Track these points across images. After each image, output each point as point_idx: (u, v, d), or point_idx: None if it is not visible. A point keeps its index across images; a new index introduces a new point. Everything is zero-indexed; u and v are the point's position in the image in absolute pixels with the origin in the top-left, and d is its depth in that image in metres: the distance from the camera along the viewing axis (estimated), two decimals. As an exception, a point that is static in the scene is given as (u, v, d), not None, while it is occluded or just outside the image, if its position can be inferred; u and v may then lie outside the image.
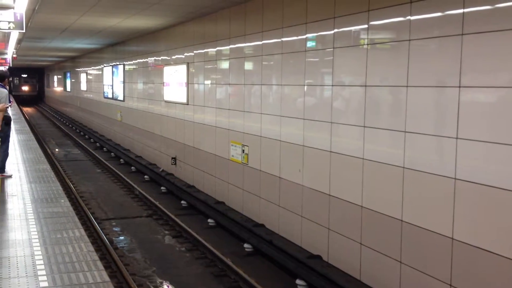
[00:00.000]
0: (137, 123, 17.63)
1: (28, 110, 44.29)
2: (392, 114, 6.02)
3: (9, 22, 10.95)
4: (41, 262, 4.76)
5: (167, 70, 13.87)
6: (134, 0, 9.58)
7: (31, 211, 6.58)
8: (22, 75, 52.81)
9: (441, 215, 5.35)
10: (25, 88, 53.11)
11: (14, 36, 17.09)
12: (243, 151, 9.67)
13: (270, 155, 8.75)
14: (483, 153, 4.89)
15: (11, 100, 8.66)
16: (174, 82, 13.40)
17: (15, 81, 53.00)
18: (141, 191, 12.55)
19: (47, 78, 52.58)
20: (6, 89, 8.74)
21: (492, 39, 4.76)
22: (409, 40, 5.68)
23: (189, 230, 9.39)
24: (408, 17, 5.68)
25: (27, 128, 17.91)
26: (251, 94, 9.38)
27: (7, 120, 8.47)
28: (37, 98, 54.15)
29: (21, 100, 49.75)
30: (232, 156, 10.14)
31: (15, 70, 48.20)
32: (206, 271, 7.81)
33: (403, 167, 5.82)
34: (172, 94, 13.67)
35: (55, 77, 42.98)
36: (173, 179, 13.24)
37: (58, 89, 41.64)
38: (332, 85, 7.05)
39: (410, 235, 5.79)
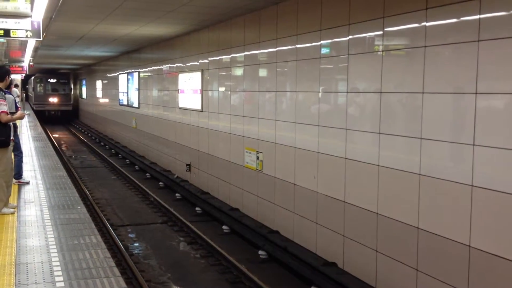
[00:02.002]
0: (152, 130, 17.73)
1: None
2: (408, 121, 5.99)
3: (26, 31, 11.11)
4: (59, 268, 4.81)
5: (182, 77, 13.95)
6: (150, 8, 9.66)
7: (48, 218, 6.64)
8: (50, 79, 35.55)
9: (458, 223, 5.30)
10: (54, 99, 35.11)
11: (31, 44, 17.33)
12: (257, 157, 9.68)
13: (284, 161, 8.75)
14: (500, 160, 4.85)
15: (18, 107, 8.76)
16: (189, 89, 13.48)
17: (38, 89, 35.69)
18: (156, 198, 12.60)
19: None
20: (12, 95, 8.84)
21: (509, 45, 4.73)
22: (425, 46, 5.66)
23: (204, 236, 9.41)
24: (424, 24, 5.66)
25: (44, 135, 18.08)
26: (265, 100, 9.40)
27: (14, 128, 8.57)
28: (71, 115, 36.87)
29: (48, 119, 34.64)
30: (247, 162, 10.15)
31: (37, 72, 36.63)
32: (221, 277, 7.81)
33: (419, 174, 5.78)
34: (186, 101, 13.74)
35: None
36: (187, 185, 13.28)
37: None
38: (347, 92, 7.04)
39: (426, 242, 5.74)
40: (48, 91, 35.61)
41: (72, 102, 36.32)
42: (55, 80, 35.77)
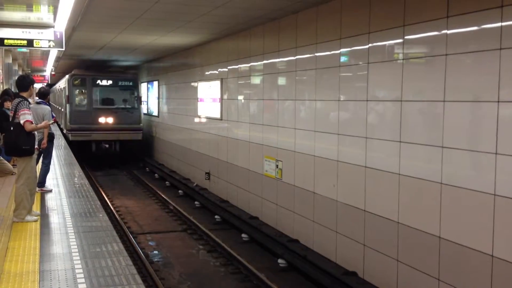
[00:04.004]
0: (171, 138, 17.85)
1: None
2: (429, 129, 5.96)
3: (49, 41, 11.33)
4: (82, 275, 4.86)
5: (201, 86, 14.04)
6: (169, 18, 9.77)
7: (71, 225, 6.72)
8: (101, 81, 19.56)
9: (480, 232, 5.25)
10: (110, 119, 19.09)
11: (53, 54, 17.63)
12: (277, 166, 9.69)
13: (304, 170, 8.75)
14: (523, 168, 4.80)
15: (53, 115, 8.93)
16: (208, 97, 13.56)
17: (76, 99, 19.42)
18: (176, 206, 12.67)
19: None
20: (48, 105, 9.01)
21: (532, 53, 4.68)
22: (446, 54, 5.64)
23: (223, 244, 9.43)
24: (445, 32, 5.64)
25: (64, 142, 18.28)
26: (284, 109, 9.42)
27: (50, 137, 8.71)
28: (139, 150, 20.96)
29: (95, 159, 19.15)
30: (266, 171, 10.17)
31: (73, 67, 21.96)
32: (241, 286, 7.81)
33: (441, 183, 5.74)
34: (206, 110, 13.83)
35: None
36: (207, 194, 13.34)
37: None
38: (367, 100, 7.03)
39: (448, 252, 5.69)
40: (98, 103, 19.20)
41: (142, 124, 19.83)
42: (110, 82, 19.45)
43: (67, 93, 19.36)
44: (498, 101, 5.01)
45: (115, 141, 19.20)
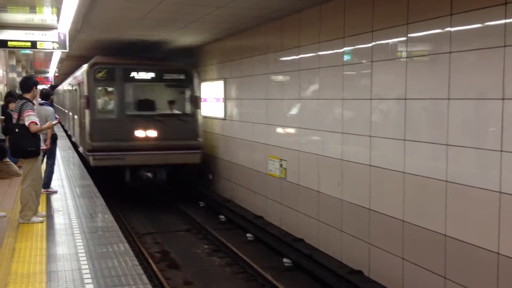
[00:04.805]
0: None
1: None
2: (434, 127, 5.96)
3: (53, 42, 11.35)
4: (89, 276, 4.88)
5: (205, 85, 14.04)
6: (173, 18, 9.78)
7: (77, 226, 6.74)
8: (137, 73, 12.60)
9: (486, 230, 5.25)
10: (153, 131, 12.27)
11: (57, 55, 17.68)
12: (281, 165, 9.69)
13: (308, 169, 8.75)
14: (529, 166, 4.79)
15: (57, 117, 8.95)
16: (212, 97, 13.55)
17: (99, 101, 12.88)
18: (179, 205, 12.68)
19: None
20: (52, 107, 9.04)
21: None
22: (450, 52, 5.63)
23: (228, 244, 9.44)
24: (448, 29, 5.64)
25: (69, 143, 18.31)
26: (289, 108, 9.42)
27: (53, 138, 8.74)
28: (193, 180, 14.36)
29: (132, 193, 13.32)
30: (270, 170, 10.18)
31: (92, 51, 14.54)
32: (246, 285, 7.83)
33: (446, 181, 5.74)
34: (210, 110, 13.81)
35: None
36: (211, 193, 13.34)
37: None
38: (370, 99, 7.03)
39: (454, 249, 5.69)
40: (134, 107, 13.14)
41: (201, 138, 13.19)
42: (152, 76, 13.01)
43: (85, 93, 12.25)
44: (503, 99, 5.01)
45: (160, 167, 12.52)
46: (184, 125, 12.75)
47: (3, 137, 7.25)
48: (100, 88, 12.83)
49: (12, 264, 5.22)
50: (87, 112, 12.25)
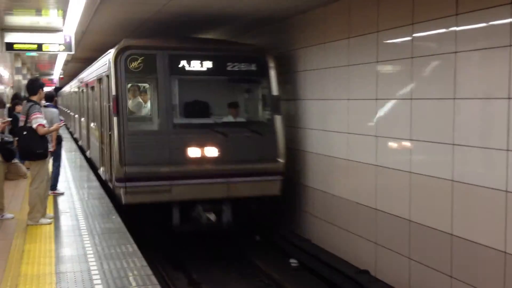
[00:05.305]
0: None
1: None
2: (439, 127, 5.93)
3: (59, 45, 11.44)
4: (98, 276, 4.92)
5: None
6: (179, 20, 9.78)
7: (84, 227, 6.79)
8: (187, 62, 8.52)
9: (492, 229, 5.25)
10: (212, 148, 8.34)
11: (62, 57, 17.77)
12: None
13: (317, 169, 8.73)
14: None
15: (61, 118, 8.97)
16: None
17: (133, 105, 8.87)
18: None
19: None
20: (56, 108, 9.08)
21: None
22: (455, 52, 5.62)
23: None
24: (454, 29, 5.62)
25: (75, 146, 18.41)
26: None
27: (58, 139, 8.78)
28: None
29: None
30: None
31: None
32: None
33: (452, 180, 5.74)
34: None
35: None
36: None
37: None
38: (376, 99, 7.01)
39: (461, 249, 5.69)
40: (183, 112, 8.86)
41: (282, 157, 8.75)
42: (209, 66, 8.74)
43: (113, 92, 8.34)
44: (509, 98, 5.00)
45: (225, 202, 8.67)
46: (259, 139, 8.63)
47: (11, 138, 7.29)
48: (133, 85, 8.93)
49: (22, 265, 5.27)
50: (114, 120, 8.13)
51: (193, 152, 8.26)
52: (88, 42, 13.05)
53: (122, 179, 7.99)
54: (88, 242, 6.10)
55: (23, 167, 9.33)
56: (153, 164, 8.06)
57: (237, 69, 8.82)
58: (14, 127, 8.65)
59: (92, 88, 11.93)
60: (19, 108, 10.00)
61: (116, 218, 7.26)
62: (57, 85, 32.41)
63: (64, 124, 8.76)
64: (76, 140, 18.82)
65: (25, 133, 6.74)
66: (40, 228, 6.73)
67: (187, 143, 8.25)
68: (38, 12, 9.64)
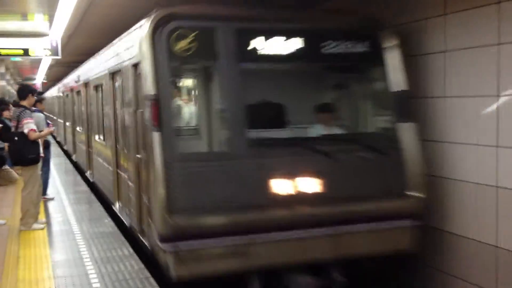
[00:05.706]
0: None
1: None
2: (479, 128, 5.03)
3: (45, 49, 11.39)
4: (96, 280, 4.93)
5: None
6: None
7: (78, 231, 6.78)
8: (267, 37, 5.13)
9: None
10: (312, 181, 4.99)
11: (46, 62, 17.65)
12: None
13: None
14: None
15: (49, 123, 8.91)
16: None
17: (184, 112, 6.32)
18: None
19: None
20: (42, 113, 9.00)
21: None
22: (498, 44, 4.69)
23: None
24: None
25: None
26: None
27: (46, 144, 8.75)
28: None
29: None
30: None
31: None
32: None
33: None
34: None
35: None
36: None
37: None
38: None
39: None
40: (262, 124, 5.59)
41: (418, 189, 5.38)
42: (301, 46, 5.39)
43: (151, 91, 4.88)
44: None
45: (334, 265, 5.32)
46: (379, 162, 5.44)
47: (1, 144, 7.25)
48: (182, 79, 6.57)
49: (19, 271, 5.25)
50: (155, 138, 4.83)
51: (282, 186, 5.02)
52: (76, 47, 12.99)
53: (169, 237, 4.68)
54: (83, 246, 6.10)
55: (14, 173, 9.26)
56: (218, 209, 4.79)
57: (339, 51, 5.53)
58: (3, 133, 8.58)
59: (96, 88, 9.17)
60: (6, 113, 9.92)
61: (109, 222, 7.26)
62: (40, 89, 32.15)
63: (54, 129, 8.76)
64: (59, 143, 18.55)
65: (16, 138, 6.72)
66: (33, 234, 6.70)
67: (271, 172, 5.00)
68: (24, 17, 9.62)
